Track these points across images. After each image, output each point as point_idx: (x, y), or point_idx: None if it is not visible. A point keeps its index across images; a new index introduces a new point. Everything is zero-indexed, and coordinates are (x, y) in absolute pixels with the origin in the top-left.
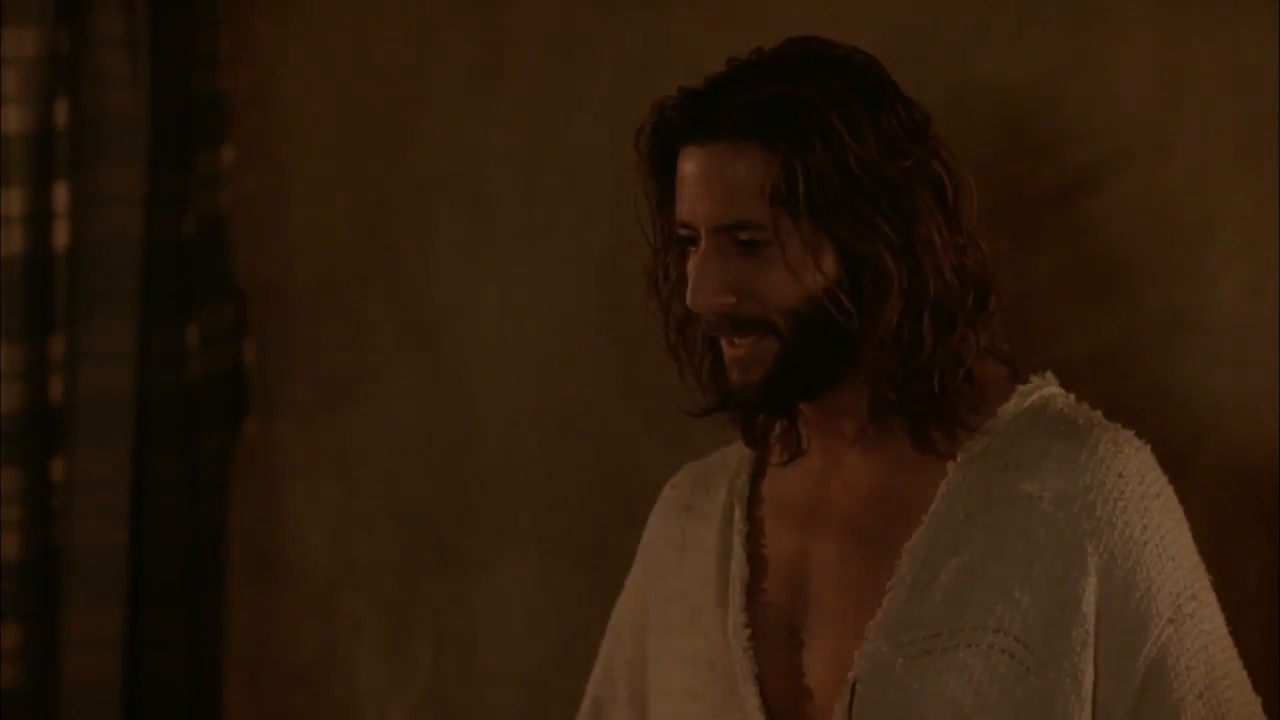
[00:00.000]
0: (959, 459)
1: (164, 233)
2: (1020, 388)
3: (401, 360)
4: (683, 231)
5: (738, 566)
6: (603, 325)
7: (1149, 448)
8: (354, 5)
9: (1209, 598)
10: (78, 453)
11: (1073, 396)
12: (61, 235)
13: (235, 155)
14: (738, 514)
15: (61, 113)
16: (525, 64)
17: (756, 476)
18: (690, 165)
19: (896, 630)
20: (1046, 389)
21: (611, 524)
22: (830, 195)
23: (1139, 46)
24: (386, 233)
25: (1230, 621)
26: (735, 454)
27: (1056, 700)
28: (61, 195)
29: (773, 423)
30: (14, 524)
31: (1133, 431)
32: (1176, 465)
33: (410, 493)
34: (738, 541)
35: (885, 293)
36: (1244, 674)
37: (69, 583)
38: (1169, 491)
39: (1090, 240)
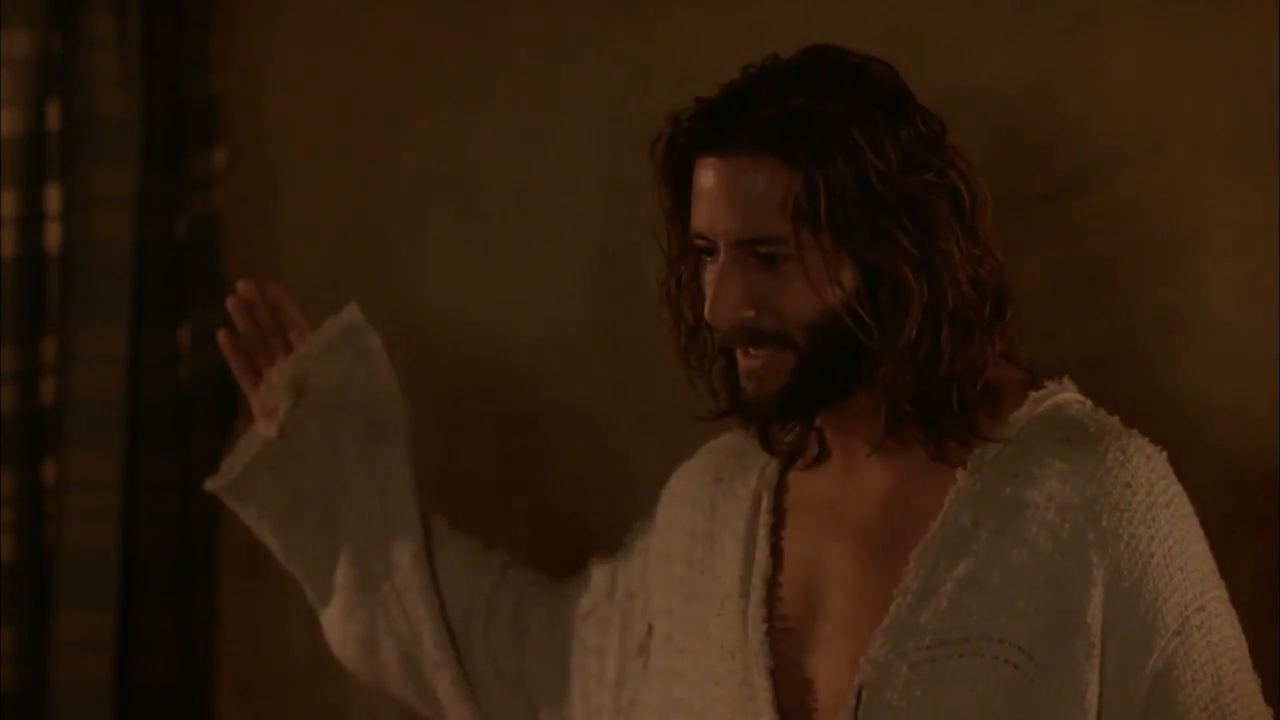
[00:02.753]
0: (968, 466)
1: (156, 235)
2: (1033, 394)
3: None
4: (699, 242)
5: (761, 560)
6: (594, 329)
7: (1163, 455)
8: (345, 8)
9: (1220, 609)
10: (69, 455)
11: (1089, 403)
12: (53, 237)
13: (227, 158)
14: (765, 504)
15: (53, 115)
16: (517, 66)
17: (785, 466)
18: (709, 177)
19: (902, 637)
20: (1061, 395)
21: (604, 527)
22: (851, 210)
23: (1131, 49)
24: (378, 235)
25: None
26: None
27: (1059, 710)
28: (53, 197)
29: (789, 429)
30: (6, 526)
31: (1147, 439)
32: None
33: None
34: (763, 534)
35: (905, 307)
36: (1255, 685)
37: (60, 585)
38: (1180, 500)
39: (1082, 242)
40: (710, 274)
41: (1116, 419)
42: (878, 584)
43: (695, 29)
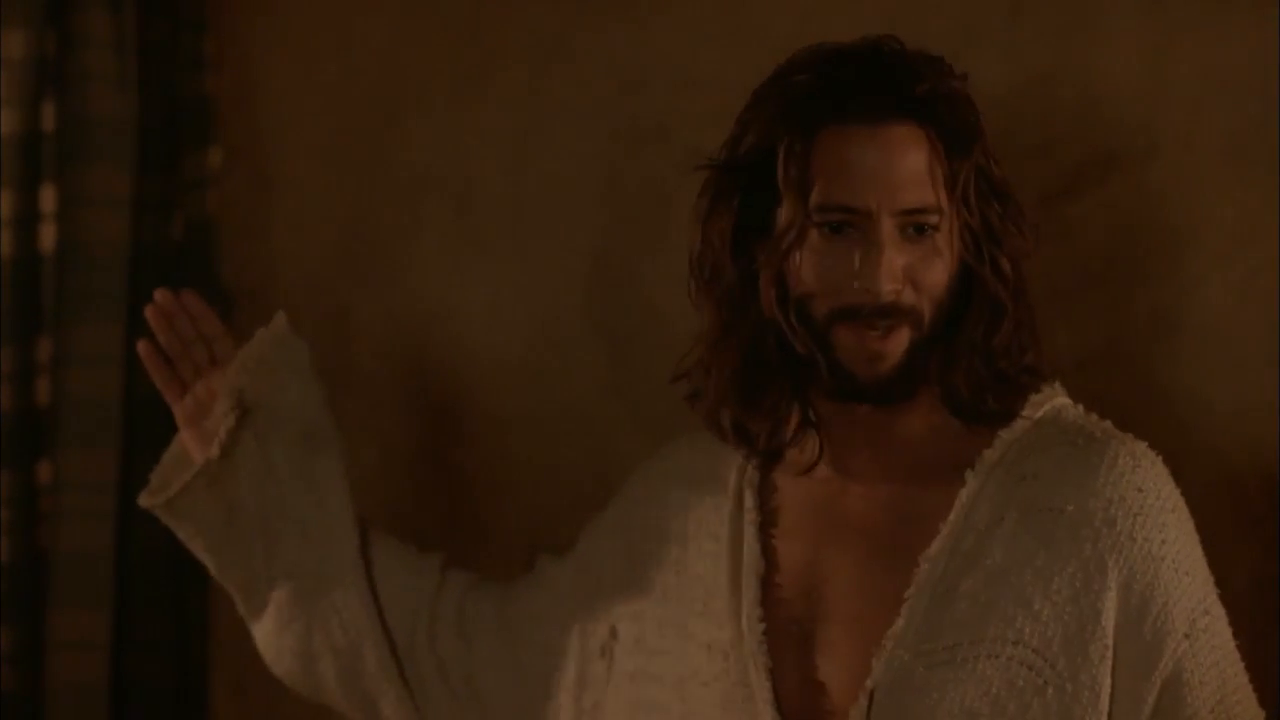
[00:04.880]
0: (976, 468)
1: (151, 235)
2: (1033, 397)
3: (388, 363)
4: (832, 216)
5: (751, 557)
6: (590, 328)
7: (1161, 460)
8: (340, 9)
9: (1219, 611)
10: (65, 455)
11: (1080, 407)
12: (48, 238)
13: (222, 158)
14: (749, 502)
15: (48, 115)
16: (511, 68)
17: (767, 466)
18: (863, 147)
19: (917, 639)
20: (1057, 400)
21: None
22: (984, 187)
23: (1127, 48)
24: (373, 235)
25: None
26: None
27: (1074, 714)
28: (49, 198)
29: (763, 435)
30: (1, 527)
31: (1144, 443)
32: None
33: (397, 495)
34: (750, 531)
35: (1017, 282)
36: (1250, 687)
37: (56, 585)
38: (1182, 505)
39: (1077, 242)
40: (836, 248)
41: (1110, 424)
42: (885, 586)
43: (690, 30)
